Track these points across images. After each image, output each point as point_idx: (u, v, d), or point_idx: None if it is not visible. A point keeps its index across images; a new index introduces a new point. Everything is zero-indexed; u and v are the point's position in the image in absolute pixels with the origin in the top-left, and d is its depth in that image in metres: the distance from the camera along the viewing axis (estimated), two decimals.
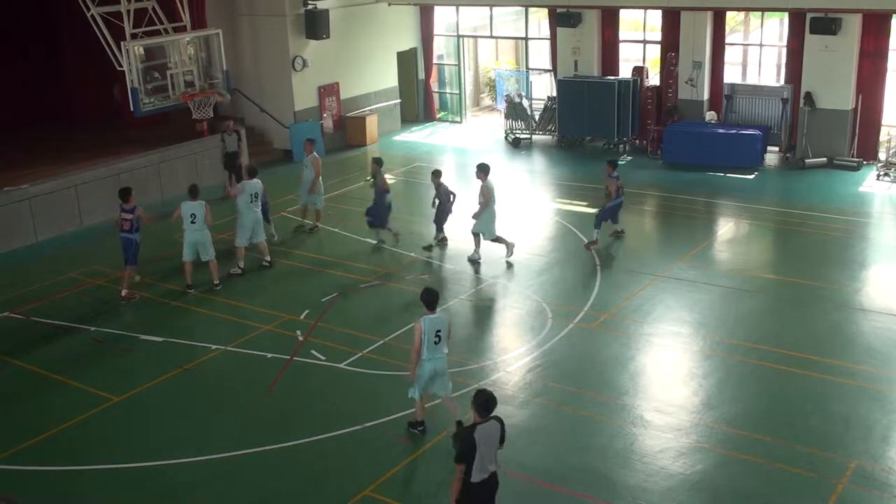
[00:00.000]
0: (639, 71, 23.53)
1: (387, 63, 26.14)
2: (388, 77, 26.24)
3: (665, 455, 10.04)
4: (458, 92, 27.78)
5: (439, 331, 9.99)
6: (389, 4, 25.38)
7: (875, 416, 10.69)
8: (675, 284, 14.81)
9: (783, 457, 9.92)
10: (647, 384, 11.79)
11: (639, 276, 15.13)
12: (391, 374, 12.07)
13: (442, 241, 16.75)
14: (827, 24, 20.28)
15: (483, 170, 15.56)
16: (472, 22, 27.98)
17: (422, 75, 27.38)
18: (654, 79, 24.25)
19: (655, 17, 23.97)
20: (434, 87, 27.81)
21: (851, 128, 21.10)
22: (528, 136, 24.96)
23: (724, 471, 9.78)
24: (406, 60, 26.83)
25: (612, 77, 23.80)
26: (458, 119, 27.77)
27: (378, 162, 16.84)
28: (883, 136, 21.26)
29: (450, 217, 16.63)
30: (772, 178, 21.00)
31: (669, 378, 11.90)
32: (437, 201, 16.50)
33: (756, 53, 24.61)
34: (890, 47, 20.66)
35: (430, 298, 9.92)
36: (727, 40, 23.39)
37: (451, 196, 16.52)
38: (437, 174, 16.49)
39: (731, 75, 23.99)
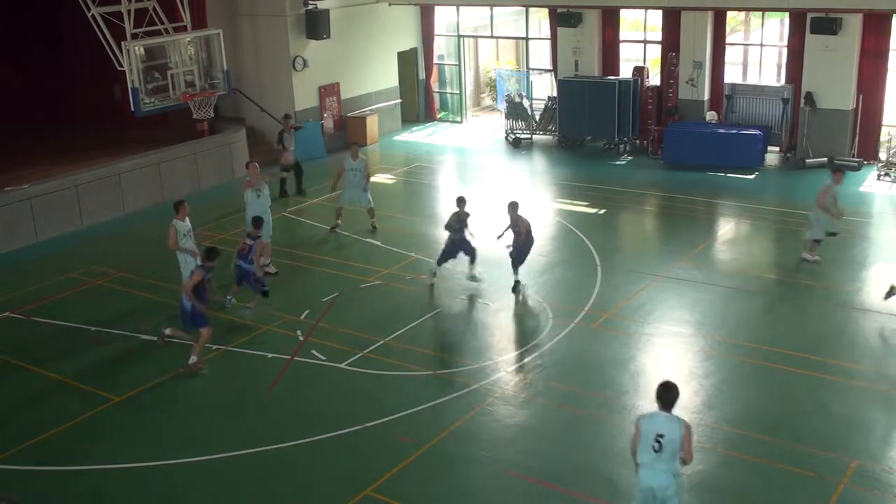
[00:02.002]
0: (639, 71, 23.50)
1: (387, 63, 26.13)
2: (388, 77, 26.22)
3: None
4: (458, 92, 27.76)
5: (661, 435, 7.82)
6: (390, 4, 25.38)
7: (875, 416, 10.69)
8: (675, 284, 14.80)
9: (784, 457, 9.92)
10: (648, 384, 11.74)
11: (639, 276, 15.11)
12: (391, 374, 12.08)
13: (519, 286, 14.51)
14: (827, 24, 20.27)
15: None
16: (472, 22, 27.96)
17: (422, 75, 27.37)
18: (654, 79, 24.22)
19: (656, 17, 23.95)
20: (434, 87, 27.79)
21: (852, 128, 21.07)
22: (529, 136, 24.94)
23: (725, 471, 9.78)
24: (406, 60, 26.82)
25: (613, 77, 23.77)
26: (458, 119, 27.75)
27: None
28: (883, 136, 21.23)
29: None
30: (772, 179, 20.98)
31: (670, 378, 11.83)
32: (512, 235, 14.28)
33: (756, 53, 24.61)
34: (890, 47, 20.63)
35: (667, 396, 8.03)
36: (728, 40, 23.35)
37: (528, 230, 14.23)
38: (514, 206, 14.18)
39: (731, 75, 23.95)
